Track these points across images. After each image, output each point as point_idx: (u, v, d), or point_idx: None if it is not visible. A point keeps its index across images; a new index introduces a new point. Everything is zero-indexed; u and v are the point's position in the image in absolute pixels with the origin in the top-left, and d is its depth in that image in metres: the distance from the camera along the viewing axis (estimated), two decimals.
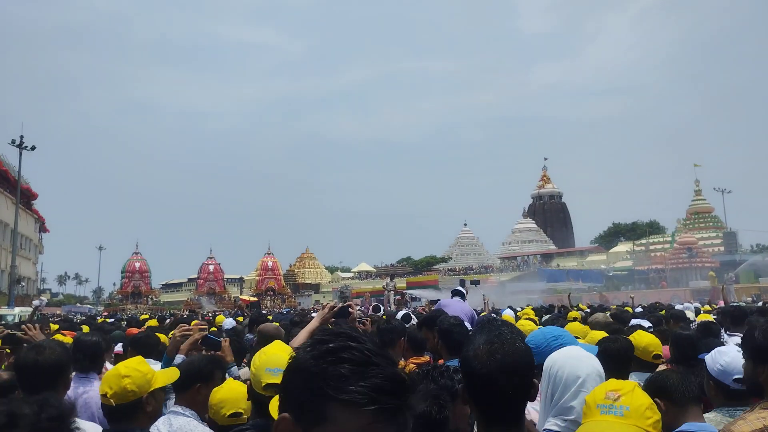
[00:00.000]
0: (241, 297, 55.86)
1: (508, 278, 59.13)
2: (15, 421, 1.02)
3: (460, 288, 7.44)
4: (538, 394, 2.09)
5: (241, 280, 73.80)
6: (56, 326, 7.85)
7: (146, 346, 4.48)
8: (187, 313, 16.83)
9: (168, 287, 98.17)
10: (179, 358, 3.63)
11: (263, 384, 2.21)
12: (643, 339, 3.78)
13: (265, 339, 4.72)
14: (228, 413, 2.74)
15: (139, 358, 2.59)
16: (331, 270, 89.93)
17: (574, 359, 2.11)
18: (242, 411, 2.72)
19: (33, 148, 37.75)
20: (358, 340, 0.99)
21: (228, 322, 11.86)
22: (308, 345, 1.02)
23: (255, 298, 53.29)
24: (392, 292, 37.62)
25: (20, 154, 37.37)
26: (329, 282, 78.09)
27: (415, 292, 41.79)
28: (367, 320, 5.66)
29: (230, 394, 2.80)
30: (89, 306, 69.13)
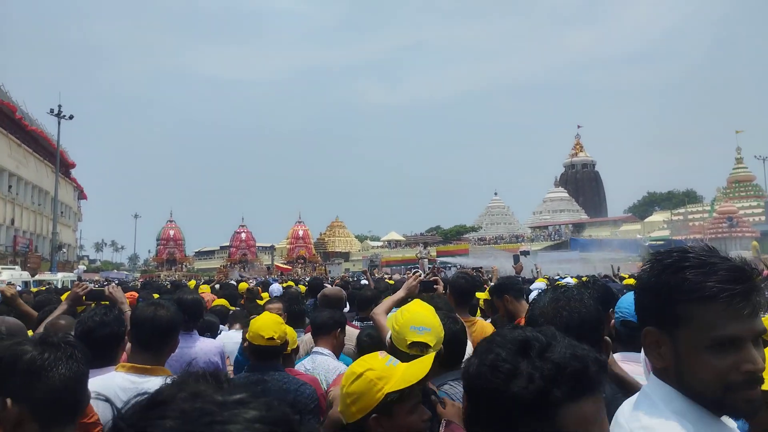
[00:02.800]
0: (276, 264, 56.65)
1: (539, 247, 58.64)
2: None
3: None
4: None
5: (272, 248, 74.60)
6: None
7: None
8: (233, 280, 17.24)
9: (201, 254, 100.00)
10: None
11: (408, 342, 2.17)
12: None
13: (328, 301, 4.83)
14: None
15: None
16: (361, 239, 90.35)
17: None
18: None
19: (71, 117, 38.31)
20: (690, 251, 1.19)
21: (275, 288, 12.04)
22: (647, 268, 1.25)
23: (288, 267, 53.97)
24: (426, 259, 37.65)
25: (59, 123, 38.02)
26: (359, 250, 78.52)
27: (446, 260, 41.67)
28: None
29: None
30: (126, 272, 70.84)
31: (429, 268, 33.05)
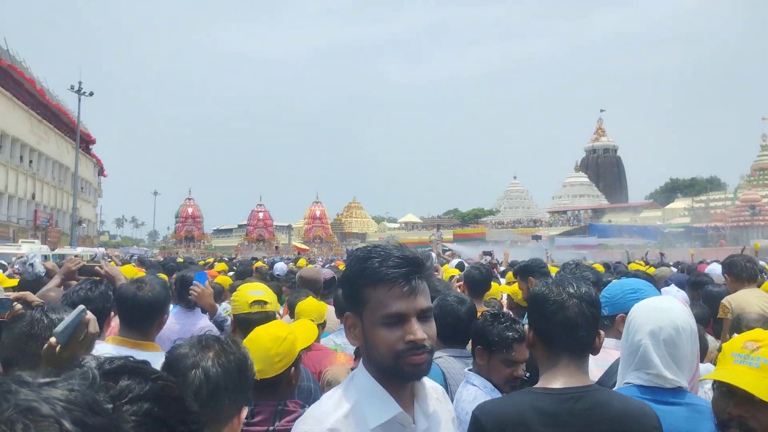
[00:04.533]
0: (294, 244, 57.01)
1: (557, 233, 58.16)
2: None
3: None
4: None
5: (289, 227, 75.12)
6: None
7: None
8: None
9: (219, 232, 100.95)
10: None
11: (250, 302, 2.77)
12: None
13: (305, 282, 4.78)
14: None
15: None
16: (378, 220, 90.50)
17: (654, 311, 1.94)
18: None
19: (91, 93, 38.63)
20: (379, 246, 1.44)
21: (279, 267, 12.08)
22: (347, 262, 1.51)
23: (306, 247, 54.26)
24: (439, 243, 37.45)
25: (79, 99, 38.33)
26: (375, 232, 78.65)
27: (453, 247, 41.38)
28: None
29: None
30: (145, 248, 71.81)
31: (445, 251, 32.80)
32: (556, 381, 1.64)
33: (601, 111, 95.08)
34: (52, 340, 1.66)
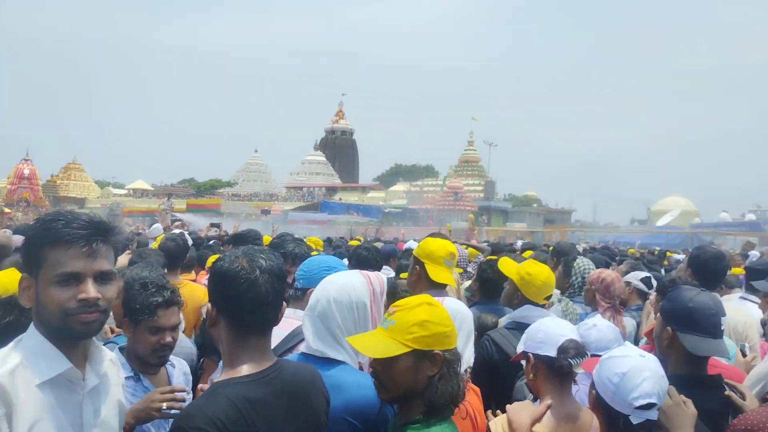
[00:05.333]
0: None
1: (291, 207, 59.93)
2: None
3: None
4: None
5: None
6: None
7: None
8: None
9: None
10: None
11: None
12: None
13: None
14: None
15: None
16: (102, 185, 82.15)
17: (321, 284, 2.06)
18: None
19: None
20: (67, 211, 1.49)
21: None
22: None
23: (8, 210, 46.79)
24: (169, 212, 35.45)
25: None
26: (98, 197, 71.29)
27: (185, 217, 39.90)
28: None
29: None
30: None
31: (174, 221, 31.09)
32: (250, 365, 1.55)
33: (343, 95, 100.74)
34: None
